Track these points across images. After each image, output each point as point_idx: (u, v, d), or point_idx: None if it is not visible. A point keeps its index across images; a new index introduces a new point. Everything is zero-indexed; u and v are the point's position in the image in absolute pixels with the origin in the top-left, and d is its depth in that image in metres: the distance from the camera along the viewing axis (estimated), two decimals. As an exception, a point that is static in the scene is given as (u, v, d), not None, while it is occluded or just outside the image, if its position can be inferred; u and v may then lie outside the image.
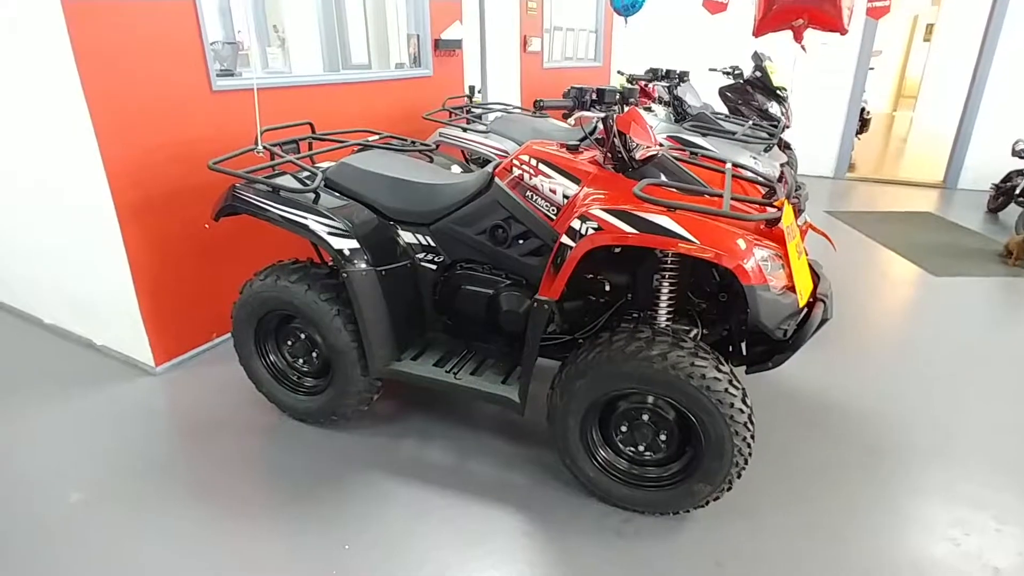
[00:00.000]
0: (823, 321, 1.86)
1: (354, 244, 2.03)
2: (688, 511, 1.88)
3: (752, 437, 1.70)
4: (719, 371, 1.64)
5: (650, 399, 1.78)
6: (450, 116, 3.76)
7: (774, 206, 1.75)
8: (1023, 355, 2.97)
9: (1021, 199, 4.88)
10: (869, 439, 2.32)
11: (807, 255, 2.14)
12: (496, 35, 5.29)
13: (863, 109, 8.31)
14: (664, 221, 1.58)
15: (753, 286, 1.56)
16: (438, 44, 4.17)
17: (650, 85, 3.71)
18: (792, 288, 1.70)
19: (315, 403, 2.31)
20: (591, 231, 1.64)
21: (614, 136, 1.92)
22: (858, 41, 6.33)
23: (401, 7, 4.24)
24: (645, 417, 1.79)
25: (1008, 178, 5.16)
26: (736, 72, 5.87)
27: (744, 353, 2.05)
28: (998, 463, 2.20)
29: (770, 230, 1.71)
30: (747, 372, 2.04)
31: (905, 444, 2.29)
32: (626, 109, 2.07)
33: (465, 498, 2.01)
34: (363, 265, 2.03)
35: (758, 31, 2.47)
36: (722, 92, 5.97)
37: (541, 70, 5.75)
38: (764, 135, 3.11)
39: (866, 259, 4.29)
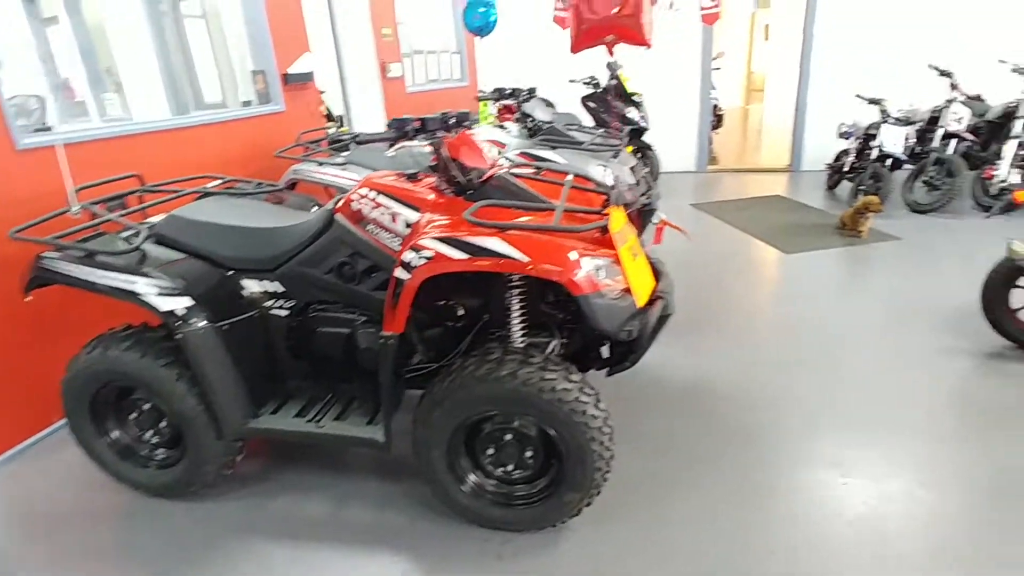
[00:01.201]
0: (665, 317, 1.95)
1: (188, 302, 1.90)
2: (564, 522, 1.90)
3: (611, 439, 1.74)
4: (569, 381, 1.68)
5: (511, 418, 1.79)
6: (307, 151, 3.64)
7: (603, 214, 1.82)
8: (866, 318, 3.29)
9: (849, 176, 5.44)
10: (734, 420, 2.46)
11: (648, 254, 2.25)
12: (353, 64, 5.22)
13: (715, 106, 9.01)
14: (493, 243, 1.59)
15: (586, 295, 1.60)
16: (288, 78, 4.04)
17: (510, 102, 3.78)
18: (629, 290, 1.77)
19: (171, 476, 2.13)
20: (423, 261, 1.62)
21: (446, 162, 1.93)
22: (699, 45, 6.83)
23: (244, 42, 4.07)
24: (509, 436, 1.79)
25: (838, 158, 5.75)
26: (594, 82, 6.16)
27: (606, 356, 2.11)
28: (855, 425, 2.40)
29: (604, 236, 1.78)
30: (608, 375, 2.11)
31: (768, 421, 2.46)
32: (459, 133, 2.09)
33: (343, 547, 1.92)
34: (201, 323, 1.90)
35: (574, 48, 2.60)
36: (584, 102, 6.24)
37: (405, 95, 5.73)
38: (612, 142, 3.25)
39: (728, 245, 4.61)
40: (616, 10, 2.38)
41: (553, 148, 3.08)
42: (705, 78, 7.00)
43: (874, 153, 5.10)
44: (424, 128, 1.82)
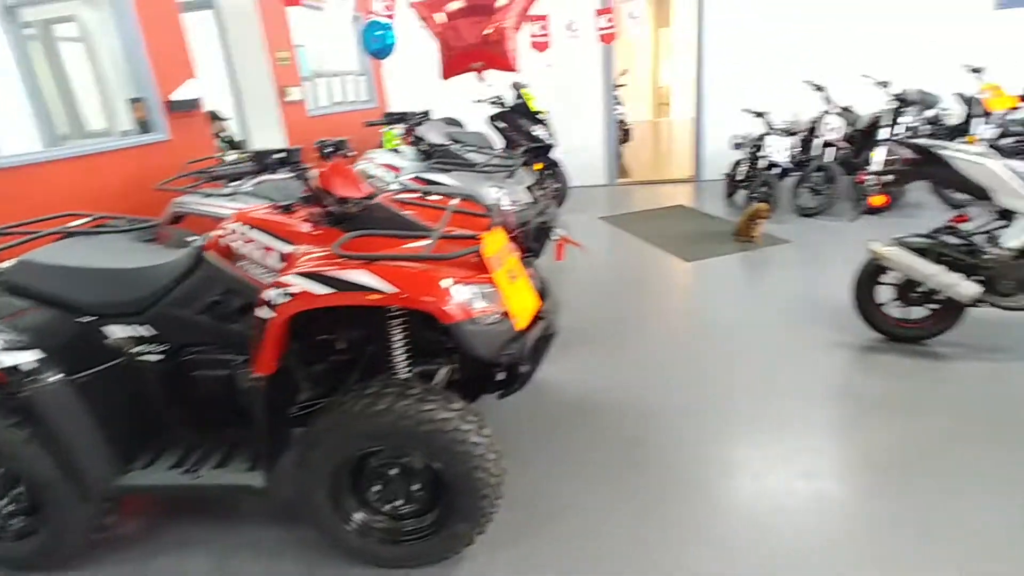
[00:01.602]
0: (549, 336, 1.98)
1: (36, 355, 1.74)
2: (459, 552, 1.87)
3: (498, 465, 1.73)
4: (448, 410, 1.66)
5: (396, 453, 1.75)
6: (196, 182, 3.47)
7: (477, 238, 1.83)
8: (757, 319, 3.46)
9: (744, 184, 5.76)
10: (630, 431, 2.52)
11: (536, 274, 2.28)
12: (249, 89, 5.06)
13: (622, 121, 9.35)
14: (359, 276, 1.56)
15: (459, 323, 1.59)
16: (172, 105, 3.86)
17: (399, 127, 3.75)
18: (509, 314, 1.78)
19: (31, 546, 1.94)
20: (285, 299, 1.57)
21: (317, 192, 1.89)
22: (599, 63, 7.07)
23: (122, 68, 3.86)
24: (394, 471, 1.75)
25: (733, 168, 6.07)
26: (500, 101, 6.24)
27: (501, 379, 2.10)
28: (746, 423, 2.51)
29: (482, 261, 1.78)
30: (499, 397, 2.11)
31: (663, 428, 2.53)
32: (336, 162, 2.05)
33: (227, 607, 1.80)
34: (53, 377, 1.75)
35: (445, 75, 2.63)
36: (491, 121, 6.32)
37: (306, 118, 5.60)
38: (507, 163, 3.29)
39: (632, 256, 4.76)
40: (489, 30, 2.42)
41: (446, 171, 3.08)
42: (608, 94, 7.25)
43: (762, 162, 5.42)
44: (289, 160, 1.77)
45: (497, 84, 6.32)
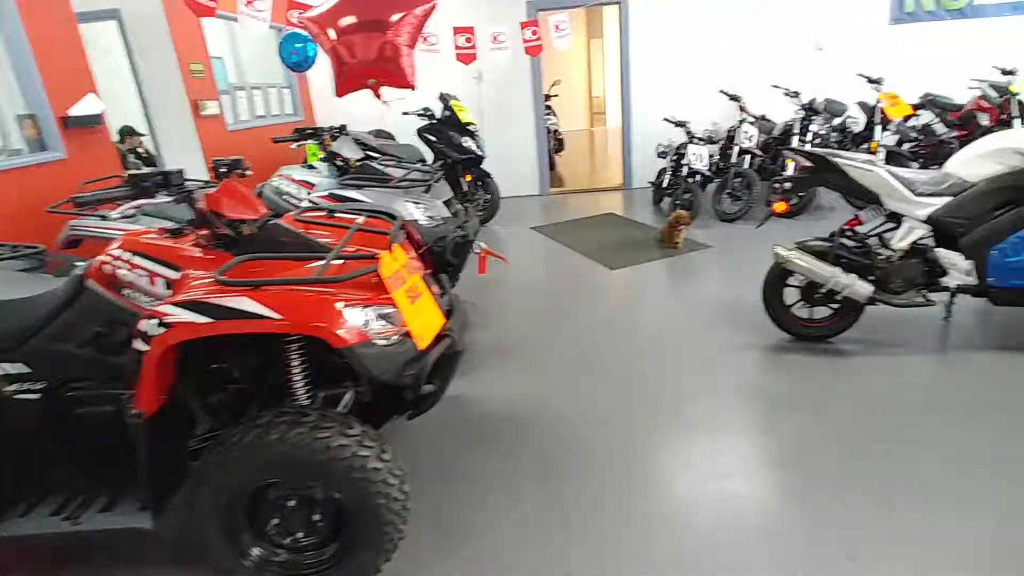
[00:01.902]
0: (456, 353, 1.96)
1: None
2: (366, 582, 1.82)
3: (401, 489, 1.70)
4: (345, 436, 1.61)
5: (295, 483, 1.68)
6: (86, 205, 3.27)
7: (375, 258, 1.79)
8: (676, 324, 3.55)
9: (668, 192, 5.93)
10: (549, 443, 2.52)
11: (445, 290, 2.26)
12: (160, 103, 4.84)
13: (555, 131, 9.49)
14: (241, 303, 1.50)
15: (351, 346, 1.55)
16: (68, 121, 3.64)
17: (311, 143, 3.65)
18: (410, 334, 1.75)
19: None
20: (161, 330, 1.49)
21: (205, 215, 1.81)
22: (528, 74, 7.15)
23: (10, 82, 3.61)
24: (293, 503, 1.68)
25: (658, 176, 6.25)
26: (428, 113, 6.21)
27: (408, 401, 2.07)
28: (665, 426, 2.55)
29: (382, 280, 1.75)
30: (409, 419, 2.07)
31: (583, 437, 2.55)
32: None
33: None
34: (-93, 423, 1.60)
35: (339, 92, 2.60)
36: (420, 133, 6.28)
37: (225, 133, 5.41)
38: (425, 177, 3.26)
39: (559, 265, 4.81)
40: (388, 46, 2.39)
41: (360, 187, 3.03)
42: (539, 105, 7.33)
43: (685, 170, 5.60)
44: (168, 182, 1.69)
45: (425, 97, 6.32)
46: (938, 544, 1.85)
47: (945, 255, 2.85)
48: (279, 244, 1.92)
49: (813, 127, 5.64)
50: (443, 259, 3.11)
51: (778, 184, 3.23)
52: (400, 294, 1.79)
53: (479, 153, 6.10)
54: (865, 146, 5.70)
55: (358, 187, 3.03)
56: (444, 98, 6.21)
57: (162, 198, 1.71)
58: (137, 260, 1.80)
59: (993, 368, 2.84)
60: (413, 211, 2.99)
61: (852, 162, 2.88)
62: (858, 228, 3.05)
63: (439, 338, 1.91)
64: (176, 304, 1.50)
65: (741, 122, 5.67)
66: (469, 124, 6.14)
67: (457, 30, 5.97)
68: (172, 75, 4.79)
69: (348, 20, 2.37)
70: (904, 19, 6.81)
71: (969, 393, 2.67)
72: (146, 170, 1.71)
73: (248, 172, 2.15)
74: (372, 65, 2.41)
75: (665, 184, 6.00)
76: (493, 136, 7.26)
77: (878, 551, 1.85)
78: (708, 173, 5.62)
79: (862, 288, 2.89)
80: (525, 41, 6.23)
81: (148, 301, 1.78)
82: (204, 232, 1.86)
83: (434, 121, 6.16)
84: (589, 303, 4.02)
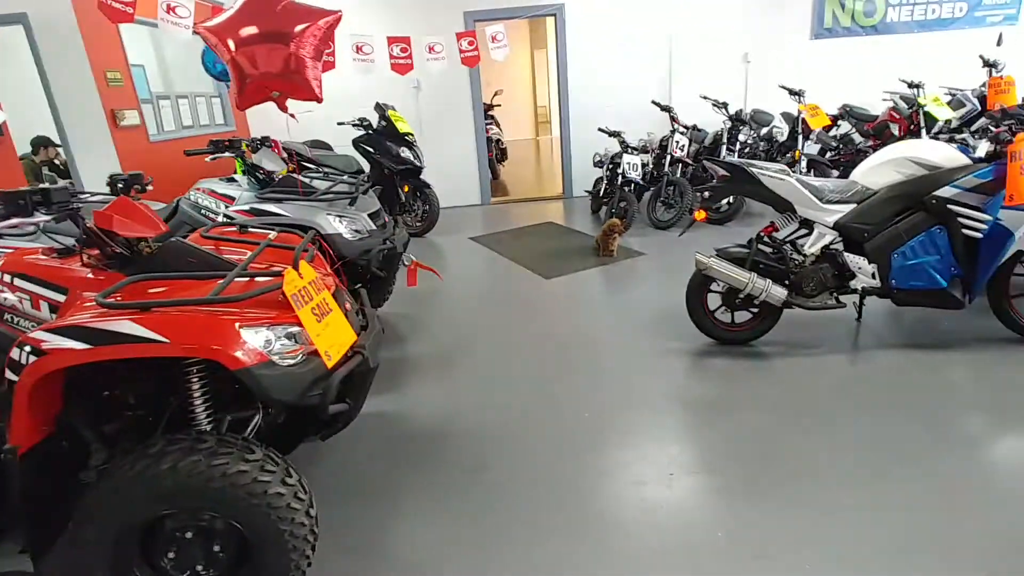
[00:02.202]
0: (369, 370, 1.92)
1: None
2: (273, 612, 1.75)
3: (307, 513, 1.64)
4: (245, 461, 1.55)
5: (193, 513, 1.60)
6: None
7: (280, 275, 1.74)
8: (607, 331, 3.59)
9: (605, 200, 6.04)
10: (477, 458, 2.50)
11: (359, 304, 2.21)
12: (73, 113, 4.61)
13: (498, 141, 9.53)
14: (123, 327, 1.42)
15: (248, 368, 1.50)
16: (-36, 134, 3.41)
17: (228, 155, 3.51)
18: (316, 352, 1.70)
19: None
20: (32, 359, 1.40)
21: (94, 234, 1.72)
22: (467, 84, 7.16)
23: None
24: (190, 534, 1.61)
25: (595, 184, 6.35)
26: (364, 123, 6.14)
27: (319, 422, 2.01)
28: (595, 434, 2.57)
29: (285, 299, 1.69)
30: (322, 439, 2.02)
31: (510, 449, 2.54)
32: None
33: None
34: None
35: (240, 105, 2.53)
36: (356, 144, 6.19)
37: (148, 144, 5.19)
38: (349, 189, 3.21)
39: (496, 275, 4.82)
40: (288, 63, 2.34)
41: (280, 201, 2.95)
42: (479, 115, 7.35)
43: (620, 179, 5.70)
44: (48, 200, 1.59)
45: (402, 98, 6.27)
46: (853, 539, 1.93)
47: (852, 259, 2.99)
48: (182, 263, 1.85)
49: (741, 136, 5.86)
50: (368, 272, 3.07)
51: (699, 193, 3.32)
52: (306, 312, 1.74)
53: (417, 164, 6.06)
54: (790, 155, 5.95)
55: (279, 200, 2.95)
56: (381, 108, 6.15)
57: (40, 216, 1.61)
58: (19, 282, 1.70)
59: (900, 366, 2.99)
60: (335, 224, 2.93)
61: (766, 172, 3.00)
62: (775, 234, 3.17)
63: (350, 355, 1.87)
64: (51, 330, 1.41)
65: (673, 132, 5.83)
66: (407, 134, 6.10)
67: (392, 40, 5.92)
68: (86, 83, 4.56)
69: (248, 31, 2.30)
70: (824, 34, 7.17)
71: (879, 390, 2.80)
72: (24, 188, 1.60)
73: (149, 187, 2.06)
74: (275, 78, 2.34)
75: (602, 193, 6.10)
76: (433, 146, 7.23)
77: (793, 548, 1.90)
78: (642, 182, 5.74)
79: (777, 292, 3.00)
80: (462, 52, 6.23)
81: (32, 327, 1.68)
82: (94, 252, 1.77)
83: (370, 132, 6.08)
84: (522, 313, 4.04)
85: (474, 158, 7.46)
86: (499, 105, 10.15)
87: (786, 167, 3.04)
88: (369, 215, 3.24)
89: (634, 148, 5.76)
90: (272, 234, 2.19)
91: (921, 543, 1.90)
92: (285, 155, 5.61)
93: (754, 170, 2.99)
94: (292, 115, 2.67)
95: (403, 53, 6.05)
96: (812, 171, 5.99)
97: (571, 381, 3.07)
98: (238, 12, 2.38)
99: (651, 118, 6.49)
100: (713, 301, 3.24)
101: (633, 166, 5.61)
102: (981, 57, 5.92)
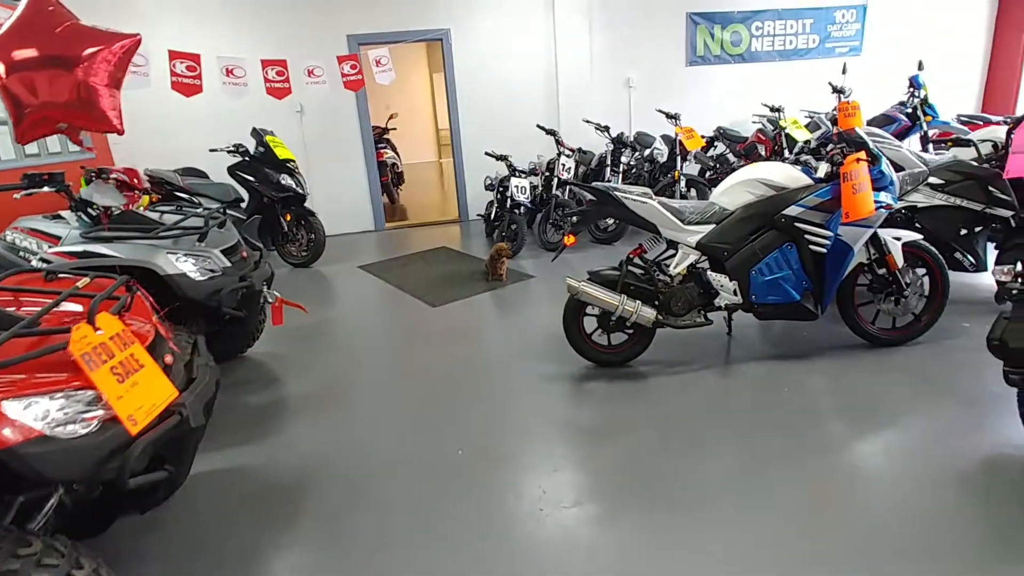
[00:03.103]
0: (190, 431, 1.72)
1: None
2: None
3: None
4: (15, 557, 1.31)
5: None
6: None
7: (69, 332, 1.52)
8: (490, 358, 3.51)
9: (496, 223, 6.02)
10: (340, 501, 2.33)
11: (188, 355, 2.00)
12: None
13: (394, 164, 9.36)
14: None
15: (13, 448, 1.27)
16: None
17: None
18: (117, 418, 1.49)
19: None
20: None
21: None
22: (354, 108, 6.98)
23: None
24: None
25: (488, 208, 6.34)
26: (241, 150, 5.80)
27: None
28: (476, 469, 2.45)
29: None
30: (142, 513, 1.79)
31: (381, 489, 2.38)
32: None
33: None
34: None
35: (20, 139, 2.27)
36: (232, 172, 5.83)
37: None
38: (198, 223, 2.95)
39: (380, 306, 4.64)
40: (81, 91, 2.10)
41: (110, 240, 2.65)
42: (367, 139, 7.17)
43: (509, 202, 5.71)
44: None
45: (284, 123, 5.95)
46: (737, 549, 1.93)
47: (715, 278, 3.10)
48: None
49: (623, 159, 6.05)
50: (220, 314, 2.82)
51: (567, 218, 3.34)
52: (103, 372, 1.53)
53: (299, 191, 5.79)
54: (670, 175, 6.22)
55: (111, 240, 2.65)
56: (258, 133, 5.84)
57: None
58: None
59: (766, 378, 3.11)
60: (178, 264, 2.68)
61: (629, 195, 3.06)
62: (645, 256, 3.24)
63: (165, 415, 1.66)
64: None
65: (559, 155, 5.93)
66: (287, 160, 5.82)
67: (266, 63, 5.66)
68: None
69: (25, 53, 2.04)
70: (697, 61, 7.62)
71: (748, 404, 2.90)
72: None
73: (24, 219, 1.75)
74: (61, 108, 2.09)
75: (493, 216, 6.08)
76: (320, 172, 6.98)
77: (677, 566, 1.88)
78: (529, 204, 5.78)
79: (647, 313, 3.05)
80: (344, 76, 6.07)
81: None
82: None
83: (247, 158, 5.75)
84: (406, 344, 3.89)
85: (365, 183, 7.25)
86: (394, 128, 10.00)
87: (649, 191, 3.11)
88: (224, 250, 3.00)
89: (522, 171, 5.79)
90: (82, 281, 1.94)
91: (790, 558, 1.93)
92: (147, 185, 5.22)
93: (618, 194, 3.05)
94: (89, 148, 2.39)
95: (279, 76, 5.81)
96: (691, 190, 6.29)
97: (449, 414, 2.96)
98: (8, 32, 2.08)
99: (543, 141, 6.57)
100: (590, 324, 3.25)
101: (521, 189, 5.63)
102: (830, 84, 6.49)
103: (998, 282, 2.25)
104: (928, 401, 2.82)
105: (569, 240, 3.15)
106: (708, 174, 6.84)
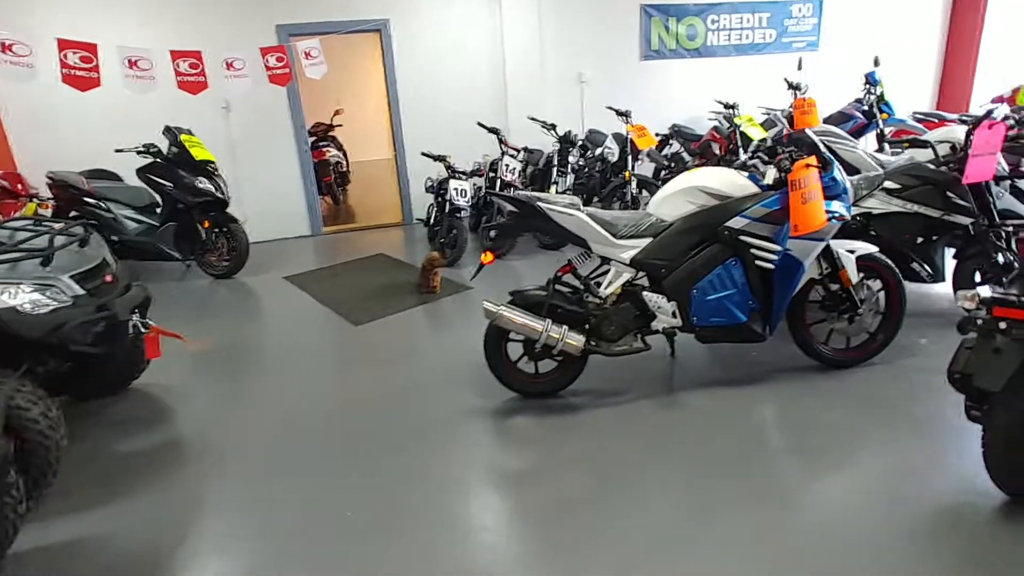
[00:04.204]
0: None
1: None
2: None
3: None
4: None
5: None
6: None
7: None
8: (405, 387, 3.12)
9: (436, 228, 5.61)
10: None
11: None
12: None
13: (338, 163, 8.85)
14: None
15: None
16: None
17: None
18: None
19: None
20: None
21: None
22: (286, 104, 6.47)
23: None
24: None
25: (428, 211, 5.92)
26: (152, 150, 5.26)
27: None
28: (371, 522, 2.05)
29: None
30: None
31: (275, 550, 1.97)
32: None
33: None
34: None
35: None
36: (142, 174, 5.29)
37: None
38: (42, 244, 2.48)
39: (298, 325, 4.19)
40: None
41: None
42: (301, 137, 6.67)
43: (448, 206, 5.30)
44: None
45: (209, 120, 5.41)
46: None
47: (651, 298, 2.75)
48: None
49: (571, 159, 5.69)
50: (67, 353, 2.37)
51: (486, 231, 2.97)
52: None
53: (219, 195, 5.28)
54: (621, 176, 5.89)
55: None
56: (172, 132, 5.30)
57: None
58: None
59: (711, 408, 2.80)
60: (5, 297, 2.21)
61: (555, 207, 2.69)
62: (578, 272, 2.88)
63: None
64: None
65: (503, 155, 5.55)
66: (206, 162, 5.30)
67: (176, 54, 5.13)
68: None
69: None
70: (652, 56, 7.30)
71: (690, 439, 2.58)
72: None
73: None
74: None
75: (432, 221, 5.66)
76: (251, 173, 6.46)
77: None
78: (472, 209, 5.38)
79: (575, 339, 2.70)
80: (268, 69, 5.56)
81: None
82: None
83: (158, 160, 5.22)
84: (314, 373, 3.45)
85: (299, 184, 6.75)
86: (340, 125, 9.47)
87: (577, 200, 2.75)
88: (81, 274, 2.53)
89: (462, 172, 5.38)
90: None
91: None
92: (35, 190, 4.66)
93: (542, 205, 2.68)
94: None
95: (193, 70, 5.27)
96: (643, 191, 5.97)
97: (349, 462, 2.56)
98: None
99: (492, 139, 6.18)
100: (517, 349, 2.88)
101: (461, 192, 5.22)
102: (786, 80, 6.25)
103: (964, 308, 1.96)
104: (883, 435, 2.53)
105: (486, 258, 2.76)
106: (663, 174, 6.54)
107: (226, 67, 5.41)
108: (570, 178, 5.73)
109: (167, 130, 5.31)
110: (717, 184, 2.72)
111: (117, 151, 5.19)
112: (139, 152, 5.21)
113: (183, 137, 5.29)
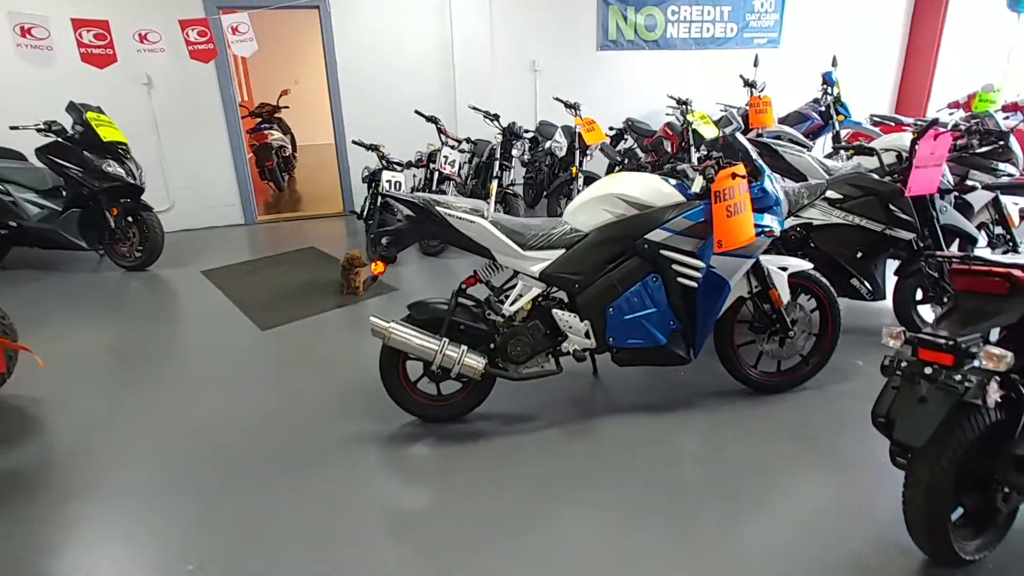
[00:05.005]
0: None
1: None
2: None
3: None
4: None
5: None
6: None
7: None
8: (303, 411, 2.80)
9: (370, 222, 5.25)
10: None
11: None
12: None
13: (282, 147, 8.38)
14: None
15: None
16: None
17: None
18: None
19: None
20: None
21: None
22: (214, 82, 6.00)
23: None
24: None
25: (364, 203, 5.55)
26: (55, 128, 4.79)
27: None
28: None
29: None
30: None
31: None
32: None
33: None
34: None
35: None
36: (41, 155, 4.82)
37: None
38: None
39: (200, 328, 3.82)
40: None
41: None
42: (232, 118, 6.21)
43: (381, 199, 4.96)
44: None
45: (54, 106, 4.89)
46: None
47: (561, 316, 2.48)
48: None
49: (515, 152, 5.39)
50: None
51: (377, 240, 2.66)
52: None
53: (131, 181, 4.84)
54: (569, 171, 5.61)
55: None
56: (78, 109, 4.83)
57: None
58: None
59: (632, 435, 2.56)
60: None
61: (455, 212, 2.39)
62: (492, 282, 2.60)
63: None
64: None
65: (443, 145, 5.21)
66: (116, 143, 4.84)
67: (79, 23, 4.65)
68: None
69: None
70: (609, 46, 7.01)
71: (604, 472, 2.33)
72: None
73: None
74: None
75: (365, 214, 5.31)
76: (177, 156, 6.01)
77: None
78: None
79: (474, 362, 2.41)
80: (189, 43, 5.12)
81: None
82: None
83: (60, 140, 4.75)
84: (204, 385, 3.09)
85: (230, 170, 6.31)
86: (286, 107, 8.97)
87: (482, 205, 2.46)
88: None
89: (398, 164, 5.03)
90: None
91: None
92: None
93: (440, 210, 2.37)
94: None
95: (100, 41, 4.81)
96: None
97: (213, 502, 2.24)
98: None
99: (430, 129, 5.83)
100: (417, 368, 2.59)
101: (395, 184, 4.86)
102: (741, 77, 6.03)
103: (892, 347, 1.74)
104: (808, 473, 2.32)
105: (377, 268, 2.45)
106: (617, 169, 6.28)
107: (139, 39, 4.95)
108: (515, 172, 5.44)
109: (71, 107, 4.83)
110: (638, 192, 2.45)
111: (12, 128, 4.70)
112: (39, 130, 4.73)
113: (89, 115, 4.82)
